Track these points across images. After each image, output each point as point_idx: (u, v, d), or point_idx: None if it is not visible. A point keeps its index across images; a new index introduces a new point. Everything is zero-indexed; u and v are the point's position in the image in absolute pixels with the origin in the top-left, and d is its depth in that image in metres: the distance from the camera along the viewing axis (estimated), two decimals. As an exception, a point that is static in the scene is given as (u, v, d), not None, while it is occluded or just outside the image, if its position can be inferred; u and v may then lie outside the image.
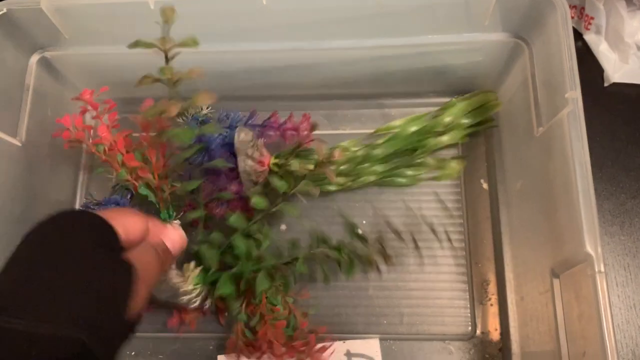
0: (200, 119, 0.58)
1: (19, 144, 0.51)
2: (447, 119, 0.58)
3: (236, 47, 0.53)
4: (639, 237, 0.57)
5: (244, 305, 0.52)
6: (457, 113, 0.58)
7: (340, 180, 0.57)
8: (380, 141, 0.58)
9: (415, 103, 0.61)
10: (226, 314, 0.55)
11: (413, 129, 0.58)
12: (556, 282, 0.44)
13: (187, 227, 0.56)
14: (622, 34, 0.60)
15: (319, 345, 0.50)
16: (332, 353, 0.51)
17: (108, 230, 0.32)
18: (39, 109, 0.54)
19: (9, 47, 0.51)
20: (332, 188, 0.56)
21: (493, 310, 0.54)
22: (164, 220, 0.55)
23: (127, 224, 0.33)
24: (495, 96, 0.58)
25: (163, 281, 0.51)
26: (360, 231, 0.55)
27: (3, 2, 0.48)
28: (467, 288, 0.55)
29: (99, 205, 0.56)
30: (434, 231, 0.55)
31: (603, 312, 0.37)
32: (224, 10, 0.49)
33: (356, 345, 0.54)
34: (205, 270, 0.52)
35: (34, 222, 0.31)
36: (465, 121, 0.58)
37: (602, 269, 0.38)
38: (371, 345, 0.54)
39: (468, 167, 0.59)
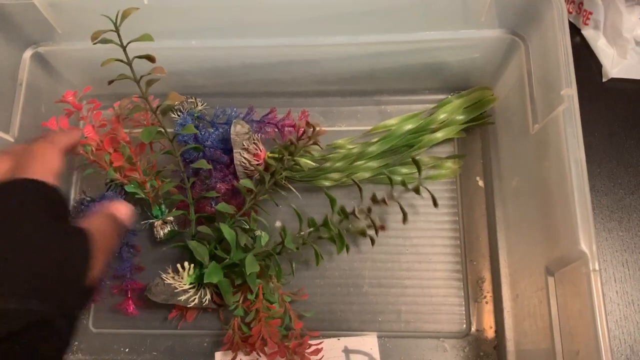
0: (195, 114, 0.57)
1: (11, 139, 0.51)
2: (442, 115, 0.58)
3: (232, 43, 0.52)
4: (638, 233, 0.56)
5: (240, 300, 0.52)
6: (452, 110, 0.58)
7: (335, 176, 0.56)
8: (375, 139, 0.58)
9: (412, 100, 0.61)
10: (221, 310, 0.55)
11: (408, 127, 0.58)
12: (551, 280, 0.44)
13: (181, 224, 0.57)
14: (620, 29, 0.60)
15: (312, 348, 0.50)
16: (322, 356, 0.51)
17: (57, 196, 0.31)
18: (32, 105, 0.53)
19: (2, 42, 0.51)
20: (327, 183, 0.56)
21: (488, 307, 0.54)
22: (155, 217, 0.55)
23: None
24: (491, 93, 0.58)
25: (158, 284, 0.51)
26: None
27: (-5, -4, 0.48)
28: (462, 285, 0.55)
29: (93, 202, 0.56)
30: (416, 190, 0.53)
31: (597, 311, 0.37)
32: (220, 6, 0.49)
33: (354, 341, 0.54)
34: (200, 269, 0.52)
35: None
36: (461, 117, 0.58)
37: (597, 267, 0.38)
38: (369, 342, 0.54)
39: (464, 164, 0.59)
